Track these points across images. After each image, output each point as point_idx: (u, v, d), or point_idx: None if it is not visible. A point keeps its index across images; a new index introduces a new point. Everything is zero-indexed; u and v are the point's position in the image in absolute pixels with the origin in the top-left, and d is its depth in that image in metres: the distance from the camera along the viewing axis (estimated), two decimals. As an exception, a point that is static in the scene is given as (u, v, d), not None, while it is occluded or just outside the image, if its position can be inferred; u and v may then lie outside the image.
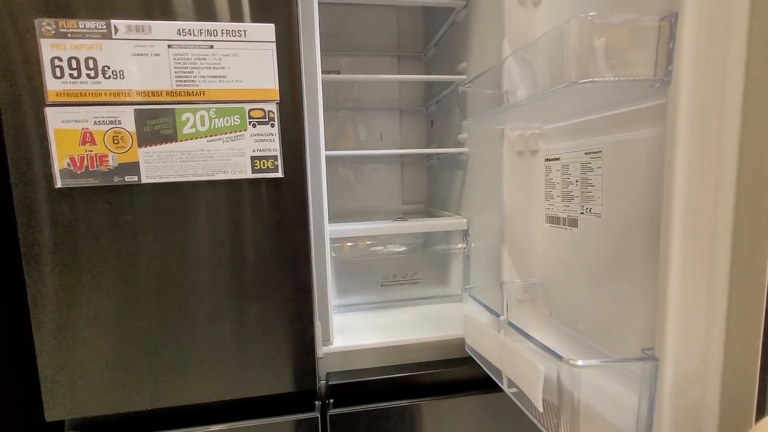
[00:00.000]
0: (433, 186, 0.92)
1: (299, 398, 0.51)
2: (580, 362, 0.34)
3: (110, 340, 0.45)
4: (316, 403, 0.52)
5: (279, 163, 0.45)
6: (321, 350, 0.54)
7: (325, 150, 0.53)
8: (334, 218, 0.65)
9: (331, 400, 0.52)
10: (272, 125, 0.44)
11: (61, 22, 0.40)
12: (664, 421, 0.33)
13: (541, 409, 0.38)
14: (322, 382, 0.53)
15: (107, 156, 0.42)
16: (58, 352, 0.44)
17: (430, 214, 0.82)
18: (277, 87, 0.44)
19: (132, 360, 0.45)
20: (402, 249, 0.70)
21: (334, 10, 0.86)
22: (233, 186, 0.45)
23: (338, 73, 0.89)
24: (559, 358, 0.35)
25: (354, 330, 0.60)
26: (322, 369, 0.55)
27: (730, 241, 0.33)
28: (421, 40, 0.92)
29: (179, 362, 0.46)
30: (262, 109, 0.44)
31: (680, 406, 0.33)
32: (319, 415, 0.50)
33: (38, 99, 0.40)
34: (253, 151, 0.44)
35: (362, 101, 0.91)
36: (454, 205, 0.76)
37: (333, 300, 0.60)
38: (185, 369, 0.46)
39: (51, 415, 0.44)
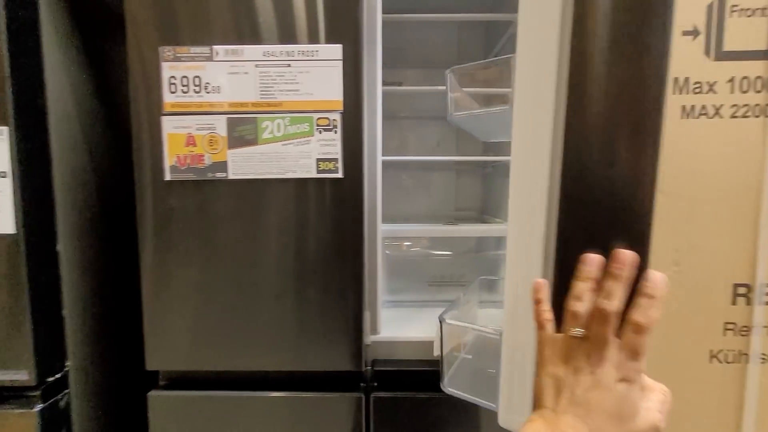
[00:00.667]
0: (488, 194, 0.93)
1: (347, 378, 0.56)
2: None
3: (197, 308, 0.54)
4: (362, 384, 0.56)
5: (339, 165, 0.51)
6: (369, 338, 0.59)
7: (383, 155, 0.59)
8: (389, 219, 0.70)
9: (375, 384, 0.56)
10: (335, 132, 0.51)
11: (177, 48, 0.50)
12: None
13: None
14: (368, 367, 0.58)
15: (204, 156, 0.51)
16: (159, 314, 0.54)
17: (482, 221, 0.84)
18: (342, 99, 0.51)
19: (212, 326, 0.54)
20: (451, 252, 0.73)
21: (400, 26, 0.92)
22: (300, 183, 0.52)
23: (400, 84, 0.94)
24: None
25: (401, 323, 0.65)
26: (369, 355, 0.60)
27: None
28: (481, 54, 0.95)
29: (249, 332, 0.54)
30: (328, 118, 0.51)
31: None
32: (363, 396, 0.55)
33: (157, 110, 0.51)
34: (318, 154, 0.51)
35: (422, 111, 0.96)
36: (506, 213, 0.77)
37: (383, 294, 0.65)
38: (254, 339, 0.54)
39: (150, 365, 0.54)
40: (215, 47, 0.50)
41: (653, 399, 0.28)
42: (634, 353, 0.27)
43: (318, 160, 0.51)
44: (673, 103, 0.52)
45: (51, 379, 0.61)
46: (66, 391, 0.63)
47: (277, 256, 0.53)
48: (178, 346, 0.54)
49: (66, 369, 0.63)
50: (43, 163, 0.59)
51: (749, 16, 0.50)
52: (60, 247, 0.61)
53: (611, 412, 0.25)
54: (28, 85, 0.57)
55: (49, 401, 0.60)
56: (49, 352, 0.61)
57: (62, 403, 0.62)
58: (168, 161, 0.51)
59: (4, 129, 0.55)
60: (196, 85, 0.50)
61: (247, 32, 0.50)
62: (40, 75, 0.58)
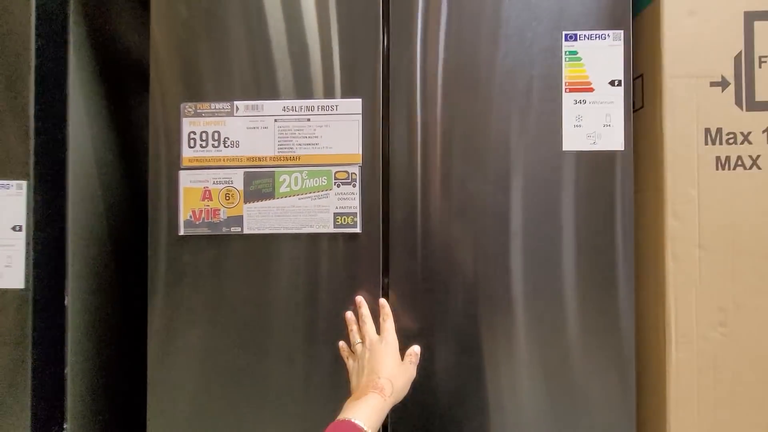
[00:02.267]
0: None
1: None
2: None
3: (203, 372, 0.50)
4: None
5: (358, 219, 0.49)
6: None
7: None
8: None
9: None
10: (354, 185, 0.49)
11: (199, 104, 0.50)
12: None
13: None
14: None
15: (219, 210, 0.50)
16: (162, 379, 0.51)
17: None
18: (361, 152, 0.50)
19: (218, 392, 0.50)
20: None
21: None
22: (315, 239, 0.50)
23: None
24: None
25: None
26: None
27: None
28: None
29: (255, 397, 0.50)
30: (347, 171, 0.50)
31: None
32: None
33: (175, 164, 0.50)
34: (336, 208, 0.49)
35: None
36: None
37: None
38: (260, 404, 0.50)
39: (152, 427, 0.50)
40: (236, 103, 0.50)
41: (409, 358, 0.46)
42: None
43: (335, 214, 0.49)
44: (706, 153, 0.50)
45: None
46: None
47: (287, 317, 0.50)
48: (182, 412, 0.50)
49: (64, 431, 0.59)
50: (58, 218, 0.59)
51: (778, 66, 0.49)
52: (68, 302, 0.60)
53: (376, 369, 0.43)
54: (51, 138, 0.58)
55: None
56: (48, 413, 0.57)
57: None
58: (183, 215, 0.50)
59: (24, 183, 0.55)
60: (215, 140, 0.50)
61: (267, 88, 0.51)
62: (63, 129, 0.59)
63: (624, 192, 0.49)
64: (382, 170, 0.50)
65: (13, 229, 0.55)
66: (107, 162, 0.64)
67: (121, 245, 0.68)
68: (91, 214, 0.62)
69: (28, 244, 0.55)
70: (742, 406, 0.49)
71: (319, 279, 0.50)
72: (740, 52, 0.50)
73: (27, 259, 0.55)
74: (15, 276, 0.55)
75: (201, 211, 0.50)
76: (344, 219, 0.50)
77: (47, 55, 0.57)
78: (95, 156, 0.62)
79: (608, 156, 0.48)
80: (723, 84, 0.50)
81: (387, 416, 0.48)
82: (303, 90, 0.51)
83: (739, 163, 0.50)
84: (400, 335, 0.47)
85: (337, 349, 0.49)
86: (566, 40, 0.49)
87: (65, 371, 0.59)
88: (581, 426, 0.47)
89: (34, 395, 0.56)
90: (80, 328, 0.61)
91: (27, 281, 0.55)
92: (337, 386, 0.49)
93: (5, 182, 0.54)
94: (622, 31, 0.49)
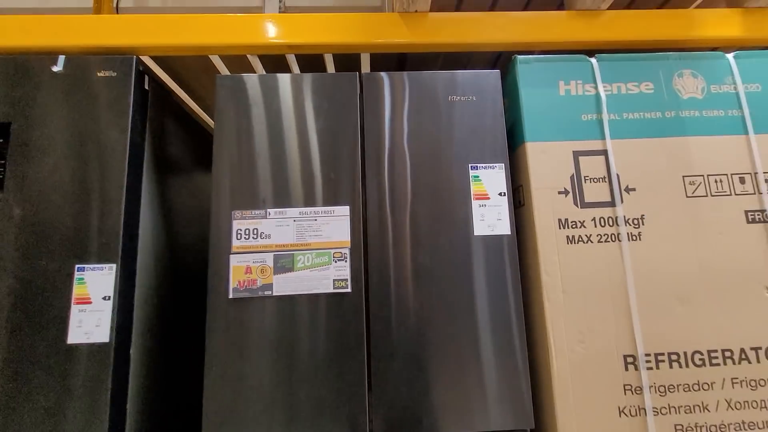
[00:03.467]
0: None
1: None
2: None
3: (246, 390, 0.73)
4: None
5: (348, 283, 0.76)
6: None
7: (375, 272, 0.84)
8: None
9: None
10: (345, 261, 0.77)
11: (244, 212, 0.78)
12: None
13: None
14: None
15: (257, 280, 0.76)
16: (215, 394, 0.72)
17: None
18: (350, 239, 0.78)
19: (257, 401, 0.72)
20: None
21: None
22: (320, 297, 0.76)
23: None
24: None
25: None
26: None
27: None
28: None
29: (285, 406, 0.72)
30: (341, 252, 0.77)
31: None
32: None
33: (227, 250, 0.77)
34: (334, 276, 0.76)
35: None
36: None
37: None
38: (290, 415, 0.72)
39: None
40: (268, 210, 0.78)
41: None
42: None
43: (334, 280, 0.76)
44: (560, 234, 0.82)
45: (115, 464, 0.75)
46: (122, 477, 0.76)
47: (305, 343, 0.74)
48: (247, 408, 0.72)
49: (122, 456, 0.77)
50: (130, 288, 0.82)
51: (595, 182, 0.83)
52: (132, 351, 0.81)
53: None
54: (130, 223, 0.83)
55: (111, 485, 0.74)
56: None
57: (119, 487, 0.75)
58: (231, 284, 0.75)
59: (114, 266, 0.79)
60: (254, 234, 0.77)
61: (287, 199, 0.79)
62: (137, 230, 0.85)
63: (512, 259, 0.79)
64: (363, 251, 0.78)
65: (104, 298, 0.78)
66: (165, 253, 0.90)
67: (177, 309, 0.92)
68: (151, 285, 0.86)
69: (113, 309, 0.78)
70: (596, 393, 0.76)
71: (324, 322, 0.75)
72: (572, 174, 0.84)
73: (111, 321, 0.77)
74: (102, 333, 0.77)
75: (244, 281, 0.76)
76: (339, 283, 0.76)
77: (132, 175, 0.84)
78: (157, 247, 0.88)
79: (500, 238, 0.79)
80: (566, 192, 0.84)
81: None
82: (311, 200, 0.80)
83: (580, 239, 0.82)
84: (379, 350, 0.73)
85: (328, 388, 0.73)
86: (472, 169, 0.81)
87: (126, 407, 0.79)
88: (499, 411, 0.73)
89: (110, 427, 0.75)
90: (140, 372, 0.82)
91: (111, 337, 0.77)
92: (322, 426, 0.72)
93: (102, 265, 0.78)
94: (503, 164, 0.82)
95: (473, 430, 0.72)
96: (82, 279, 0.78)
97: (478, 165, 0.82)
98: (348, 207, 0.80)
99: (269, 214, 0.78)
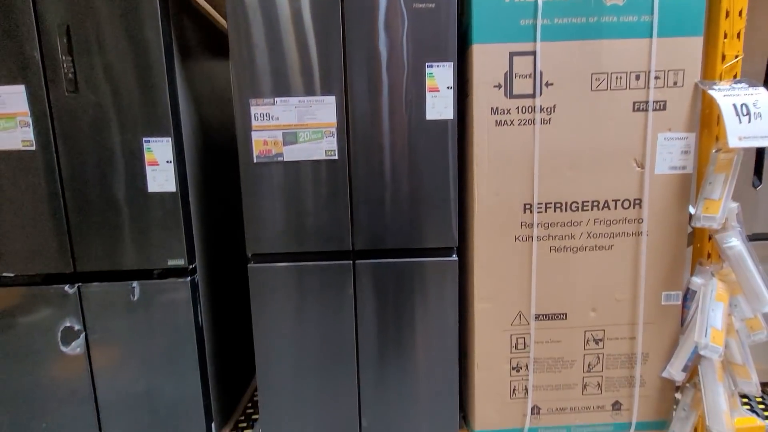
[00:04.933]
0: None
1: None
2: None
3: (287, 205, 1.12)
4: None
5: (336, 152, 1.09)
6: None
7: (357, 146, 1.17)
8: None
9: (357, 259, 1.16)
10: (333, 136, 1.08)
11: (258, 100, 1.06)
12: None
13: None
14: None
15: (271, 150, 1.08)
16: (255, 211, 1.12)
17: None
18: (336, 121, 1.08)
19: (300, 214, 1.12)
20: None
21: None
22: (316, 163, 1.09)
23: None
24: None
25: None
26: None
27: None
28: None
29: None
30: (330, 131, 1.08)
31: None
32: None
33: (249, 128, 1.08)
34: (326, 147, 1.09)
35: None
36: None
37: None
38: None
39: (249, 250, 1.13)
40: (276, 98, 1.07)
41: None
42: None
43: (325, 150, 1.09)
44: (491, 119, 1.12)
45: (192, 265, 1.19)
46: (196, 273, 1.21)
47: (311, 197, 1.11)
48: (271, 232, 1.13)
49: (195, 263, 1.21)
50: (181, 154, 1.16)
51: (523, 78, 1.10)
52: (191, 198, 1.19)
53: None
54: (174, 106, 1.13)
55: (192, 276, 1.19)
56: (190, 253, 1.19)
57: (196, 278, 1.21)
58: (254, 153, 1.08)
59: (169, 138, 1.11)
60: (267, 117, 1.07)
61: (290, 90, 1.07)
62: (177, 100, 1.14)
63: (452, 138, 1.10)
64: (346, 129, 1.09)
65: (167, 162, 1.12)
66: (200, 128, 1.21)
67: (209, 170, 1.27)
68: (196, 149, 1.20)
69: (174, 169, 1.13)
70: (501, 226, 1.15)
71: (319, 179, 1.11)
72: (506, 71, 1.09)
73: (175, 177, 1.13)
74: (170, 185, 1.13)
75: (262, 150, 1.08)
76: (329, 152, 1.09)
77: (168, 66, 1.10)
78: (194, 124, 1.19)
79: (446, 122, 1.09)
80: (499, 86, 1.10)
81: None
82: (310, 90, 1.07)
83: (505, 123, 1.12)
84: (357, 197, 1.10)
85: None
86: (427, 67, 1.07)
87: (192, 229, 1.20)
88: (435, 234, 1.13)
89: (187, 241, 1.16)
90: (197, 208, 1.21)
91: (176, 187, 1.13)
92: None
93: (161, 138, 1.10)
94: (451, 62, 1.07)
95: (417, 245, 1.13)
96: (150, 148, 1.11)
97: (433, 63, 1.07)
98: (334, 97, 1.08)
99: (276, 102, 1.07)
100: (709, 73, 1.14)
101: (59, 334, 1.18)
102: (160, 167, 1.12)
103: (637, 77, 1.11)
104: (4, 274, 1.16)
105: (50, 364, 1.19)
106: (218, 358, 1.33)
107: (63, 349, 1.19)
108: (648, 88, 1.11)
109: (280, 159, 1.09)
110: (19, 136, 1.10)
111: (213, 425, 1.28)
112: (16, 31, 1.06)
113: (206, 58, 1.33)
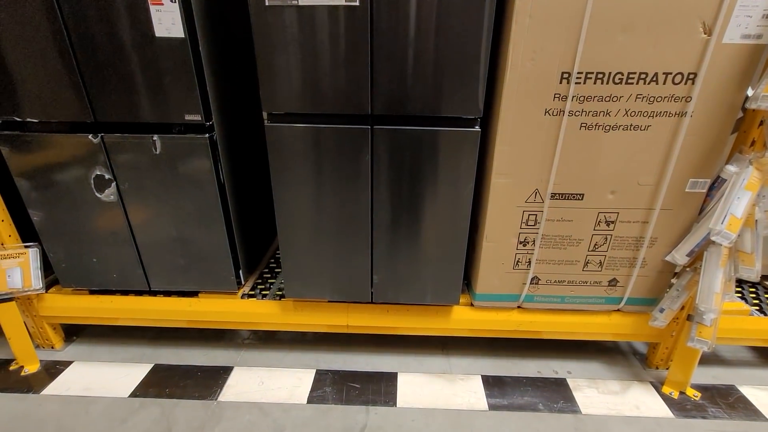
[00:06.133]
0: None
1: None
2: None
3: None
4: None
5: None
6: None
7: None
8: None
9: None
10: (355, -23, 0.94)
11: None
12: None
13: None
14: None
15: (285, -9, 0.96)
16: (270, 64, 1.07)
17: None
18: None
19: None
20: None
21: None
22: (336, 7, 0.97)
23: None
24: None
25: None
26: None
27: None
28: None
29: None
30: (351, -32, 0.93)
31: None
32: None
33: None
34: (346, -10, 0.95)
35: None
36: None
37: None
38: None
39: (265, 108, 1.10)
40: None
41: None
42: None
43: (346, -6, 0.96)
44: (542, -39, 0.93)
45: (209, 122, 1.18)
46: (214, 131, 1.21)
47: (330, 50, 1.02)
48: (287, 89, 1.08)
49: (212, 120, 1.20)
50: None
51: None
52: (202, 47, 1.11)
53: None
54: None
55: (210, 133, 1.19)
56: (206, 109, 1.16)
57: (214, 136, 1.21)
58: (266, -6, 0.96)
59: (171, -28, 0.98)
60: (279, -53, 0.92)
61: None
62: None
63: None
64: (370, -32, 0.94)
65: (171, 1, 1.01)
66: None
67: (216, 15, 1.16)
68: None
69: (180, 10, 1.03)
70: (533, 96, 1.07)
71: (337, 30, 1.00)
72: None
73: (182, 19, 1.04)
74: (177, 29, 1.05)
75: (275, -9, 0.96)
76: (350, -3, 0.96)
77: None
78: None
79: (487, -39, 0.92)
80: None
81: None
82: None
83: (558, -33, 0.94)
84: (379, 53, 1.01)
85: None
86: None
87: (207, 87, 1.15)
88: (457, 101, 1.06)
89: (201, 96, 1.13)
90: (209, 58, 1.15)
91: (184, 33, 1.05)
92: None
93: (163, -28, 0.98)
94: None
95: (439, 113, 1.08)
96: (151, -17, 0.99)
97: None
98: None
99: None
100: None
101: (92, 182, 1.25)
102: (164, 6, 1.02)
103: None
104: (28, 119, 1.18)
105: (89, 208, 1.29)
106: (241, 213, 1.42)
107: (98, 195, 1.27)
108: (748, -76, 0.89)
109: (295, 2, 0.98)
110: (9, -37, 0.99)
111: (240, 272, 1.43)
112: None
113: None
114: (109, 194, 1.27)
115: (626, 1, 0.96)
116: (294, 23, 1.00)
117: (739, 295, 1.49)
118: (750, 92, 1.06)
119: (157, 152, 1.20)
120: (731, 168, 1.11)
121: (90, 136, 1.19)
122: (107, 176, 1.24)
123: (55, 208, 1.30)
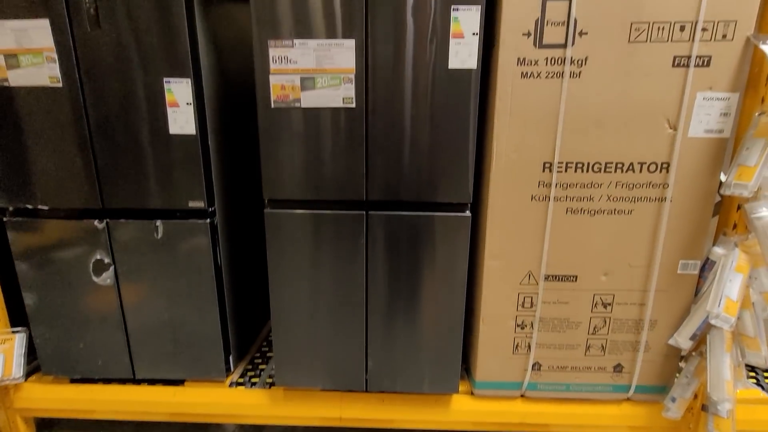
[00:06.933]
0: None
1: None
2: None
3: (306, 151, 1.13)
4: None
5: (354, 100, 1.07)
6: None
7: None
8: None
9: (370, 210, 1.17)
10: (351, 83, 1.06)
11: (276, 41, 1.04)
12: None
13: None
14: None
15: (289, 95, 1.07)
16: (273, 155, 1.14)
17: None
18: (354, 67, 1.05)
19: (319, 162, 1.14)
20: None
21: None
22: (335, 110, 1.08)
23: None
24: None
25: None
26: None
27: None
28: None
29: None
30: (348, 77, 1.06)
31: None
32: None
33: (267, 72, 1.06)
34: (343, 94, 1.07)
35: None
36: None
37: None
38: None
39: (266, 194, 1.15)
40: (295, 40, 1.04)
41: None
42: None
43: (343, 98, 1.07)
44: (517, 71, 1.06)
45: (211, 208, 1.23)
46: (215, 216, 1.26)
47: (331, 134, 1.11)
48: (287, 178, 1.15)
49: (214, 206, 1.25)
50: (200, 97, 1.16)
51: (554, 26, 1.04)
52: (210, 141, 1.20)
53: None
54: (193, 47, 1.12)
55: (212, 219, 1.23)
56: (209, 196, 1.23)
57: (215, 221, 1.25)
58: (272, 97, 1.08)
59: (189, 79, 1.11)
60: (286, 60, 1.05)
61: (310, 32, 1.04)
62: (196, 41, 1.12)
63: (474, 85, 1.06)
64: (365, 76, 1.06)
65: (186, 104, 1.13)
66: (219, 71, 1.20)
67: (227, 114, 1.28)
68: (216, 94, 1.20)
69: (194, 112, 1.14)
70: (519, 185, 1.13)
71: (336, 127, 1.10)
72: (538, 18, 1.02)
73: (195, 119, 1.14)
74: (190, 127, 1.15)
75: (280, 95, 1.08)
76: (347, 100, 1.07)
77: (188, 10, 1.08)
78: (213, 66, 1.18)
79: (468, 72, 1.05)
80: (528, 34, 1.04)
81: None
82: (330, 32, 1.04)
83: (531, 75, 1.06)
84: (373, 148, 1.09)
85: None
86: (453, 11, 1.01)
87: (211, 175, 1.22)
88: (448, 188, 1.12)
89: (206, 185, 1.20)
90: (215, 151, 1.24)
91: (196, 130, 1.15)
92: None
93: (181, 79, 1.11)
94: (478, 5, 1.01)
95: (430, 199, 1.13)
96: (170, 89, 1.12)
97: (459, 6, 1.01)
98: (354, 40, 1.04)
99: (295, 44, 1.05)
100: (764, 27, 1.04)
101: (91, 266, 1.27)
102: (180, 109, 1.13)
103: (682, 28, 1.02)
104: (39, 207, 1.23)
105: (84, 292, 1.29)
106: (236, 297, 1.41)
107: (95, 279, 1.28)
108: (692, 40, 1.02)
109: (297, 105, 1.08)
110: (47, 73, 1.12)
111: (230, 358, 1.37)
112: (38, -38, 1.05)
113: (229, 5, 1.30)
114: (106, 278, 1.28)
115: (595, 101, 1.07)
116: (296, 122, 1.10)
117: (754, 381, 1.41)
118: (723, 177, 1.12)
119: (159, 236, 1.23)
120: (718, 250, 1.14)
121: (96, 222, 1.23)
122: (106, 260, 1.26)
123: (50, 291, 1.29)
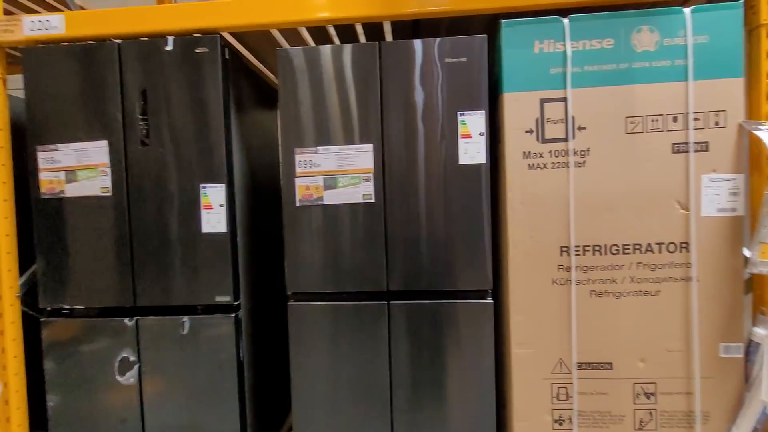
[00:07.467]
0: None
1: (378, 296, 1.18)
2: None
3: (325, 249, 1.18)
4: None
5: (372, 196, 1.15)
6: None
7: (392, 190, 1.22)
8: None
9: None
10: (370, 181, 1.15)
11: (301, 149, 1.16)
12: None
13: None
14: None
15: (312, 194, 1.16)
16: (295, 254, 1.18)
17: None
18: (373, 167, 1.15)
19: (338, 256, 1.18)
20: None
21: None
22: (355, 205, 1.16)
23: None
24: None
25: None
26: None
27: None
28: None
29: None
30: (368, 176, 1.15)
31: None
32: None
33: (293, 175, 1.17)
34: (363, 191, 1.15)
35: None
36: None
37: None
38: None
39: (290, 288, 1.19)
40: (318, 147, 1.16)
41: None
42: None
43: (363, 194, 1.15)
44: (524, 163, 1.14)
45: (237, 302, 1.27)
46: (240, 310, 1.28)
47: (349, 229, 1.17)
48: (310, 271, 1.18)
49: (240, 299, 1.29)
50: (231, 200, 1.26)
51: (554, 123, 1.13)
52: (239, 239, 1.28)
53: None
54: (228, 157, 1.25)
55: (236, 312, 1.26)
56: (236, 290, 1.27)
57: (240, 315, 1.28)
58: (297, 197, 1.17)
59: (223, 185, 1.22)
60: (309, 164, 1.16)
61: (331, 139, 1.16)
62: (231, 150, 1.25)
63: (485, 182, 1.13)
64: (383, 175, 1.15)
65: (220, 205, 1.23)
66: (249, 176, 1.32)
67: (255, 214, 1.37)
68: (242, 200, 1.31)
69: (225, 212, 1.23)
70: (538, 270, 1.14)
71: (356, 221, 1.16)
72: (538, 117, 1.13)
73: (226, 219, 1.23)
74: (221, 226, 1.23)
75: (305, 195, 1.17)
76: (366, 196, 1.15)
77: (225, 122, 1.23)
78: (244, 172, 1.30)
79: (479, 166, 1.13)
80: (531, 131, 1.13)
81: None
82: (349, 139, 1.16)
83: (538, 166, 1.13)
84: (392, 240, 1.14)
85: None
86: (460, 115, 1.12)
87: (238, 271, 1.28)
88: (468, 276, 1.13)
89: (234, 282, 1.25)
90: (244, 251, 1.30)
91: (227, 228, 1.23)
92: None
93: (217, 185, 1.22)
94: (483, 110, 1.12)
95: (451, 287, 1.14)
96: (206, 194, 1.23)
97: (465, 112, 1.13)
98: (372, 145, 1.15)
99: (318, 150, 1.16)
100: (754, 113, 1.11)
101: (116, 365, 1.28)
102: (213, 210, 1.23)
103: (675, 119, 1.10)
104: (75, 306, 1.29)
105: (106, 392, 1.28)
106: (257, 392, 1.37)
107: (118, 378, 1.28)
108: (687, 129, 1.10)
109: (320, 202, 1.17)
110: (99, 184, 1.26)
111: (249, 462, 1.29)
112: (103, 95, 1.25)
113: (256, 110, 1.48)
114: (129, 377, 1.27)
115: (602, 187, 1.12)
116: (319, 217, 1.17)
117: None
118: (747, 253, 1.11)
119: (184, 333, 1.25)
120: (759, 331, 1.08)
121: (126, 320, 1.27)
122: (132, 358, 1.27)
123: (73, 392, 1.29)
